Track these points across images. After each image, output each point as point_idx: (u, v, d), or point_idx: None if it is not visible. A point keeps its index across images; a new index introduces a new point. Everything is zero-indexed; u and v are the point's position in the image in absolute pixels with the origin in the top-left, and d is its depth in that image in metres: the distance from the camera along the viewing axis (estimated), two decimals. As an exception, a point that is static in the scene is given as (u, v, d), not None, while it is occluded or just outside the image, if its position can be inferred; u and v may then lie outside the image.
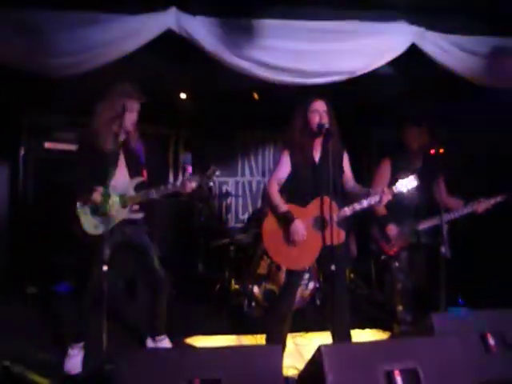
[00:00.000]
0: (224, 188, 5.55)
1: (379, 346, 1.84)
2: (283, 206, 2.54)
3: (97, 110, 2.59)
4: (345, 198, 2.58)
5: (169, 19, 2.79)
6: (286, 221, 2.51)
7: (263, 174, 5.70)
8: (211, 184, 5.22)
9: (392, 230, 3.07)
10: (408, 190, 2.51)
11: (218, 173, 2.58)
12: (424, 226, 3.09)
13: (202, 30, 2.83)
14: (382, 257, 3.14)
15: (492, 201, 3.02)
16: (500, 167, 3.67)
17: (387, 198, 2.44)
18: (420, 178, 3.04)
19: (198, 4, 2.86)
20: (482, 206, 3.01)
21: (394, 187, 2.48)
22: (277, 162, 2.69)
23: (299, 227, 2.47)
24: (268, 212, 2.65)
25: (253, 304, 3.73)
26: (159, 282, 2.71)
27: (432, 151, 2.93)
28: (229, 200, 5.38)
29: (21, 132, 4.61)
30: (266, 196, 2.65)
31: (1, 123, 4.21)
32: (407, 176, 2.52)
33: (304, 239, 2.48)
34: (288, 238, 2.51)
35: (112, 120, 2.51)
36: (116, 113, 2.49)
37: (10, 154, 4.52)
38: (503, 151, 3.68)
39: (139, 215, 2.66)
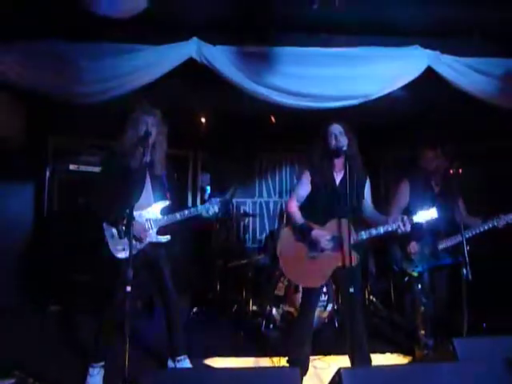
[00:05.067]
0: (242, 208, 5.60)
1: (400, 371, 1.81)
2: (301, 220, 2.58)
3: (123, 131, 2.67)
4: (362, 222, 2.59)
5: (190, 49, 2.96)
6: (303, 234, 2.54)
7: (280, 195, 5.74)
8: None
9: (414, 247, 3.05)
10: (427, 221, 2.51)
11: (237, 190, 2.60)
12: (444, 245, 3.07)
13: (221, 58, 2.97)
14: (406, 278, 3.10)
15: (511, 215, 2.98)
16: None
17: (405, 228, 2.45)
18: (439, 199, 3.06)
19: (217, 34, 3.02)
20: (502, 221, 2.97)
21: (413, 217, 2.49)
22: (298, 181, 2.74)
23: (320, 234, 2.50)
24: (284, 230, 2.69)
25: (271, 326, 3.70)
26: (171, 303, 2.74)
27: (450, 171, 2.93)
28: (246, 220, 5.42)
29: (46, 154, 4.78)
30: (284, 212, 2.69)
31: (27, 145, 4.38)
32: (427, 206, 2.53)
33: (322, 254, 2.49)
34: (302, 254, 2.53)
35: (137, 140, 2.57)
36: (140, 133, 2.56)
37: (36, 175, 4.68)
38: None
39: (165, 238, 2.70)
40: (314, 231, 2.51)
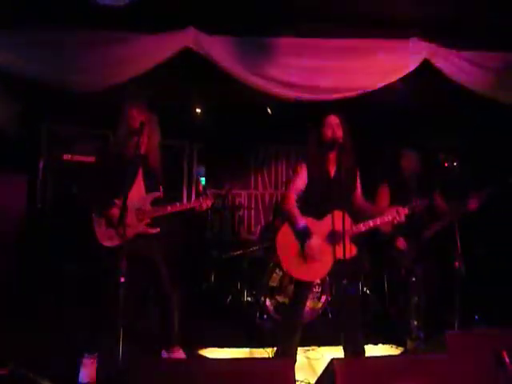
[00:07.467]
0: (237, 200, 5.60)
1: (392, 362, 1.83)
2: (301, 220, 2.54)
3: (119, 122, 2.66)
4: (354, 214, 2.60)
5: (187, 38, 2.91)
6: (303, 235, 2.53)
7: (276, 187, 5.74)
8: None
9: (402, 242, 3.12)
10: (422, 210, 2.54)
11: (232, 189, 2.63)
12: (429, 233, 3.14)
13: (218, 48, 2.93)
14: (402, 271, 3.17)
15: (482, 193, 3.00)
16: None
17: (400, 219, 2.48)
18: (417, 192, 3.14)
19: (215, 23, 2.97)
20: (475, 200, 2.99)
21: (407, 207, 2.51)
22: (294, 174, 2.73)
23: (316, 243, 2.49)
24: (282, 223, 2.69)
25: (265, 316, 3.73)
26: (167, 297, 2.74)
27: (445, 164, 3.00)
28: (241, 212, 5.42)
29: (40, 143, 4.74)
30: (282, 207, 2.69)
31: (21, 135, 4.34)
32: (414, 197, 2.57)
33: (319, 256, 2.50)
34: (302, 251, 2.53)
35: (132, 132, 2.55)
36: (135, 125, 2.54)
37: (29, 165, 4.64)
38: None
39: (154, 230, 2.68)
40: (312, 240, 2.48)
